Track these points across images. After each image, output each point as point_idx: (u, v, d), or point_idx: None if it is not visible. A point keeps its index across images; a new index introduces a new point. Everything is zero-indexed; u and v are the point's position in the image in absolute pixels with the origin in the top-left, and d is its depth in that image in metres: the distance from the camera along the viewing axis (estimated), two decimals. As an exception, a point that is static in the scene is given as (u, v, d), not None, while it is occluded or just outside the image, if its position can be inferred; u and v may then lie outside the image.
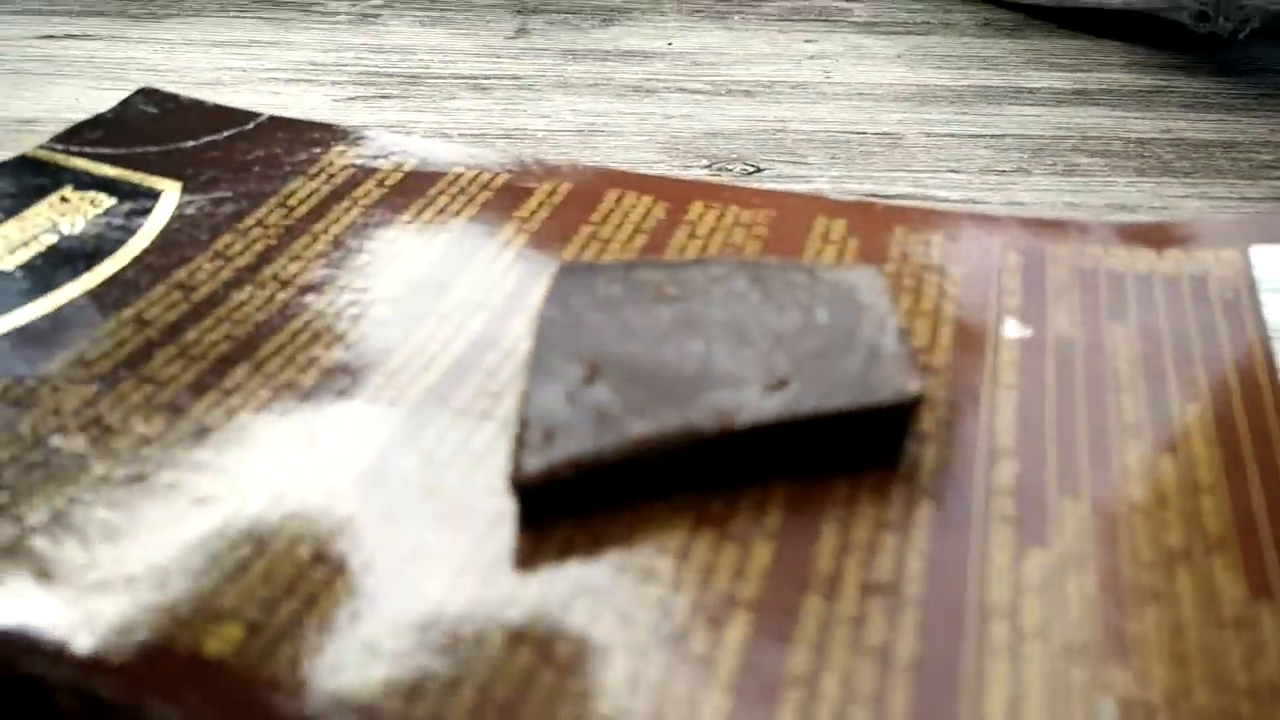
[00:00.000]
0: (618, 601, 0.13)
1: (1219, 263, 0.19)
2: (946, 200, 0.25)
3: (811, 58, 0.34)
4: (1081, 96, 0.31)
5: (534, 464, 0.14)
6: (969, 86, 0.32)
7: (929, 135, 0.29)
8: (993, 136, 0.29)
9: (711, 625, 0.13)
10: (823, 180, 0.26)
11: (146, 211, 0.20)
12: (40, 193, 0.20)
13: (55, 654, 0.12)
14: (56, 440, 0.15)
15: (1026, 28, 0.37)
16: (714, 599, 0.13)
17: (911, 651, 0.12)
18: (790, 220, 0.20)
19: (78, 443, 0.15)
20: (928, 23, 0.37)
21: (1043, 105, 0.31)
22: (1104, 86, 0.32)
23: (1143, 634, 0.13)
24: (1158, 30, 0.35)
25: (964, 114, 0.30)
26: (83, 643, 0.12)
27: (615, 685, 0.12)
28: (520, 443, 0.14)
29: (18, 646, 0.12)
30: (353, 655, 0.12)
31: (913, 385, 0.15)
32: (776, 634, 0.13)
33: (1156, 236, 0.20)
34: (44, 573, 0.13)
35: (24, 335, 0.17)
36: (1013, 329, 0.18)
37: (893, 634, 0.13)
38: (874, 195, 0.25)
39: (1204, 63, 0.34)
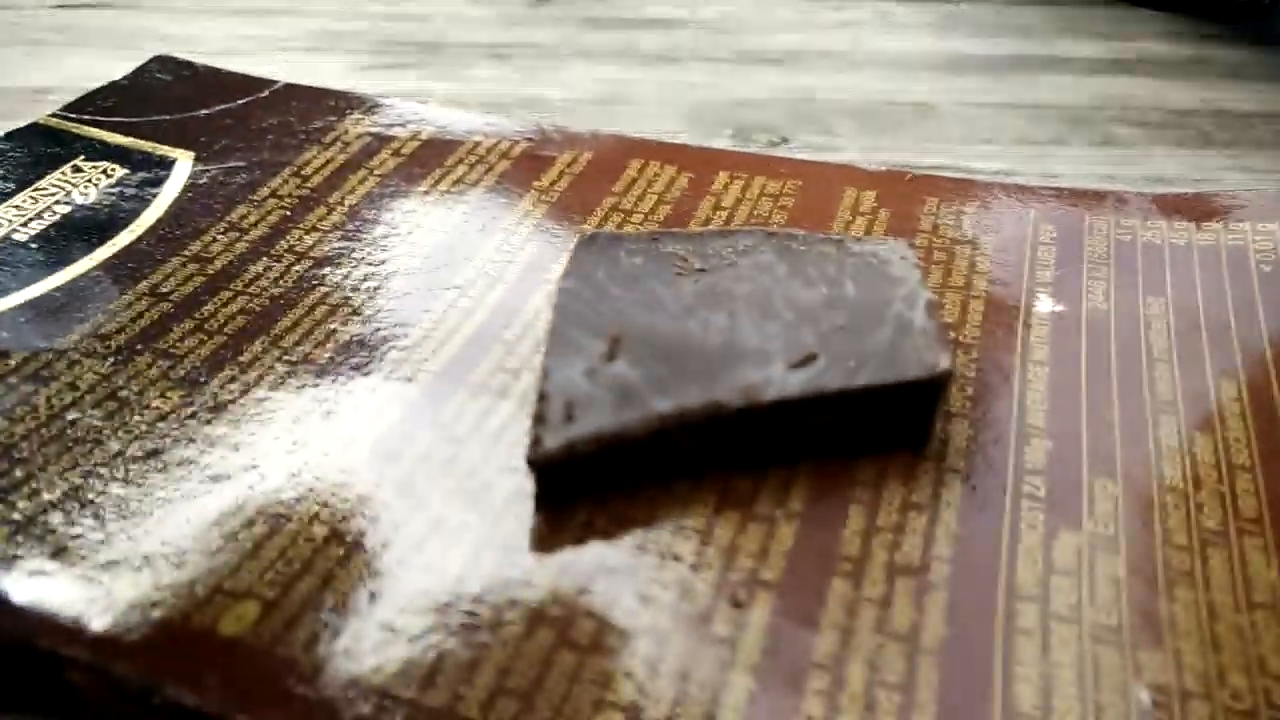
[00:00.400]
0: (638, 582, 0.13)
1: (1259, 235, 0.18)
2: (980, 172, 0.25)
3: (840, 25, 0.33)
4: (1118, 66, 0.30)
5: (553, 441, 0.13)
6: (1002, 55, 0.31)
7: (962, 105, 0.28)
8: (1027, 107, 0.28)
9: (734, 607, 0.12)
10: (853, 151, 0.25)
11: (160, 181, 0.19)
12: (53, 162, 0.20)
13: (71, 632, 0.12)
14: (73, 414, 0.15)
15: (1060, -7, 0.36)
16: (737, 580, 0.13)
17: (939, 635, 0.12)
18: (818, 191, 0.20)
19: (94, 417, 0.15)
20: (958, -12, 0.36)
21: (1078, 74, 0.30)
22: (1141, 56, 0.31)
23: (1174, 617, 0.12)
24: (1195, 0, 0.34)
25: (998, 83, 0.29)
26: (98, 621, 0.12)
27: (636, 668, 0.12)
28: (539, 419, 0.14)
29: (33, 624, 0.12)
30: (369, 636, 0.12)
31: (943, 361, 0.14)
32: (801, 617, 0.12)
33: (1195, 208, 0.19)
34: (60, 549, 0.13)
35: (39, 308, 0.16)
36: (1046, 304, 0.17)
37: (920, 617, 0.12)
38: (906, 166, 0.25)
39: (1244, 32, 0.33)
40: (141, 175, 0.20)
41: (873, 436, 0.14)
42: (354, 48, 0.31)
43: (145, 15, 0.33)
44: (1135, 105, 0.28)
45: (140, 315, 0.16)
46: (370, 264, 0.18)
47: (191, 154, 0.20)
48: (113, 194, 0.19)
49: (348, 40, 0.31)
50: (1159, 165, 0.25)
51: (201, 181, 0.20)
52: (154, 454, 0.14)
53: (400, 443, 0.14)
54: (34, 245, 0.18)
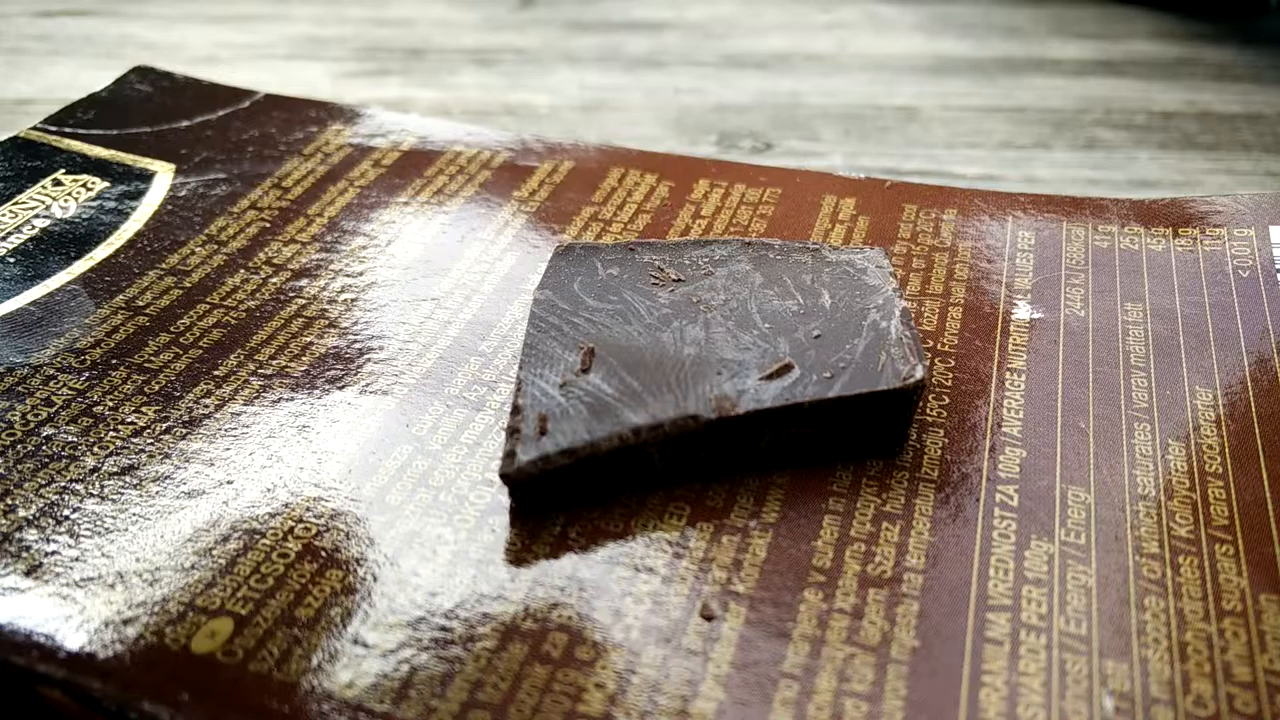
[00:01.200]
0: (611, 595, 0.13)
1: (1235, 241, 0.18)
2: (963, 176, 0.25)
3: (828, 27, 0.33)
4: (1105, 67, 0.30)
5: (526, 456, 0.13)
6: (989, 57, 0.31)
7: (947, 108, 0.28)
8: (1013, 109, 0.28)
9: (706, 620, 0.12)
10: (836, 156, 0.26)
11: (140, 194, 0.20)
12: (34, 176, 0.20)
13: (45, 650, 0.12)
14: (48, 430, 0.15)
15: (1047, -6, 0.36)
16: (710, 593, 0.13)
17: (909, 645, 0.12)
18: (798, 198, 0.20)
19: (69, 433, 0.15)
20: (945, -10, 0.36)
21: (1065, 76, 0.30)
22: (1129, 57, 0.31)
23: (1144, 625, 0.12)
24: (1183, -5, 0.34)
25: (983, 86, 0.29)
26: (72, 639, 0.12)
27: (607, 680, 0.12)
28: (513, 433, 0.14)
29: (8, 642, 0.12)
30: (342, 651, 0.12)
31: (917, 372, 0.14)
32: (772, 628, 0.12)
33: (1173, 215, 0.19)
34: (34, 566, 0.13)
35: (16, 322, 0.16)
36: (1024, 311, 0.17)
37: (891, 628, 0.12)
38: (889, 171, 0.25)
39: (1232, 32, 0.33)
40: (121, 188, 0.20)
41: (847, 446, 0.14)
42: (337, 54, 0.31)
43: (127, 23, 0.33)
44: (1120, 108, 0.28)
45: (116, 329, 0.16)
46: (348, 276, 0.18)
47: (172, 166, 0.20)
48: (92, 207, 0.19)
49: (331, 47, 0.31)
50: (1142, 168, 0.25)
51: (181, 194, 0.20)
52: (129, 470, 0.14)
53: (376, 457, 0.14)
54: (11, 260, 0.18)
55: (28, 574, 0.13)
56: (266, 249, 0.18)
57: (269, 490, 0.14)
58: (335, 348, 0.16)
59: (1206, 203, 0.19)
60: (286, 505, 0.14)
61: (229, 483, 0.14)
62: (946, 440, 0.15)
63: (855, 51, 0.32)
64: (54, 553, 0.13)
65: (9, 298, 0.17)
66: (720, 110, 0.28)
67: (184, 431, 0.15)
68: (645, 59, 0.31)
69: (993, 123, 0.27)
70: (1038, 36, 0.33)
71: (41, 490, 0.14)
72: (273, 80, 0.29)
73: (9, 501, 0.14)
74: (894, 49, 0.32)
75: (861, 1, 0.36)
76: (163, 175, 0.20)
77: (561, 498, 0.14)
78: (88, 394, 0.15)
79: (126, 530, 0.13)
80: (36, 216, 0.19)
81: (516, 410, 0.14)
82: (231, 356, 0.16)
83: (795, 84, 0.29)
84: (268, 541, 0.13)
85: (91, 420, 0.15)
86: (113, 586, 0.13)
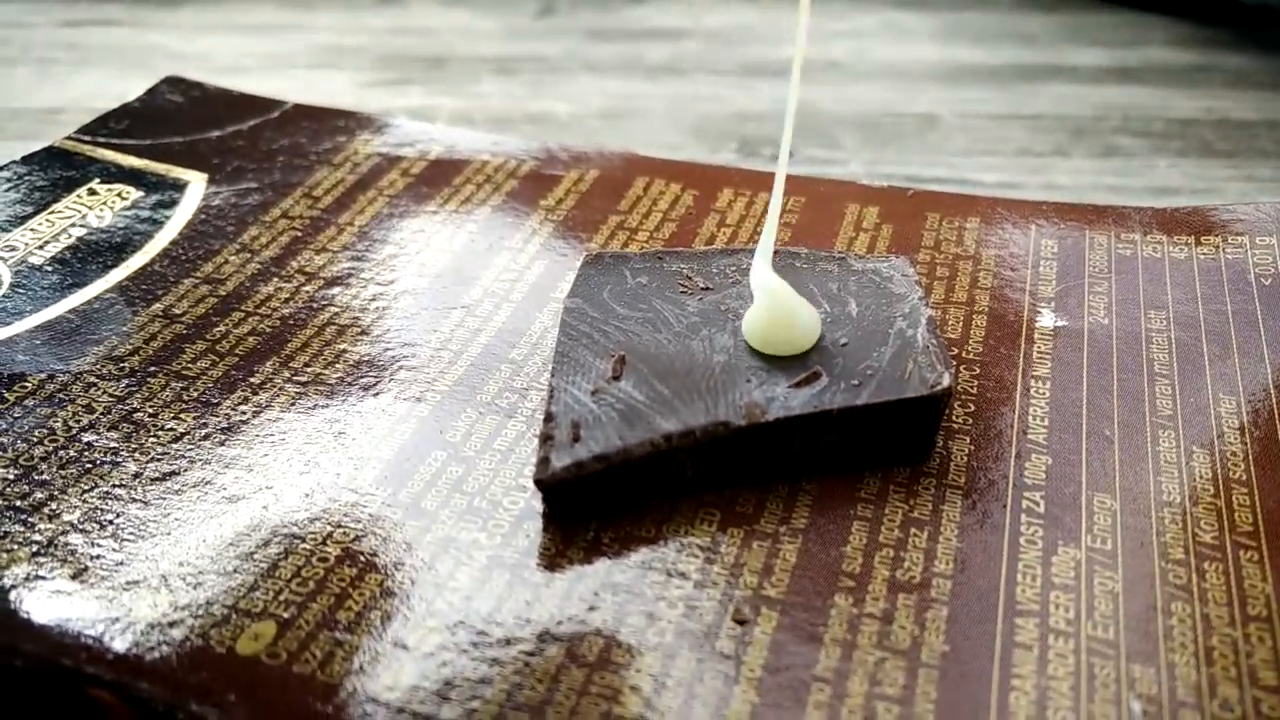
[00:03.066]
0: (644, 599, 0.13)
1: (1258, 249, 0.19)
2: (982, 183, 0.25)
3: (845, 34, 0.34)
4: (1123, 74, 0.31)
5: (560, 462, 0.14)
6: (1006, 64, 0.31)
7: (965, 116, 0.28)
8: (1031, 117, 0.28)
9: (738, 624, 0.13)
10: (856, 164, 0.26)
11: (173, 203, 0.20)
12: (69, 185, 0.20)
13: (93, 652, 0.12)
14: (90, 436, 0.15)
15: (1067, 2, 0.36)
16: (741, 597, 0.13)
17: (939, 649, 0.12)
18: (821, 207, 0.20)
19: (110, 439, 0.15)
20: (962, -3, 0.37)
21: (1083, 84, 0.30)
22: (1146, 64, 0.31)
23: (1170, 630, 0.12)
24: (1202, 4, 0.34)
25: (1001, 93, 0.29)
26: (119, 641, 0.12)
27: (642, 683, 0.12)
28: (546, 440, 0.14)
29: (56, 643, 0.12)
30: (383, 653, 0.12)
31: (944, 379, 0.14)
32: (804, 632, 0.12)
33: (1195, 223, 0.19)
34: (81, 570, 0.13)
35: (56, 330, 0.17)
36: (1048, 318, 0.17)
37: (920, 632, 0.12)
38: (909, 178, 0.25)
39: (1249, 38, 0.33)
40: (156, 198, 0.20)
41: (875, 453, 0.15)
42: (359, 64, 0.31)
43: (153, 32, 0.33)
44: (1139, 115, 0.28)
45: (154, 337, 0.17)
46: (379, 284, 0.18)
47: (204, 176, 0.21)
48: (127, 216, 0.19)
49: (353, 56, 0.32)
50: (1162, 176, 0.25)
51: (214, 203, 0.20)
52: (170, 475, 0.14)
53: (411, 463, 0.15)
54: (50, 268, 0.18)
55: (74, 577, 0.13)
56: (299, 257, 0.19)
57: (307, 495, 0.14)
58: (368, 355, 0.17)
59: (1228, 211, 0.20)
60: (325, 510, 0.14)
61: (268, 488, 0.14)
62: (973, 447, 0.15)
63: (873, 59, 0.32)
64: (99, 556, 0.13)
65: (48, 305, 0.17)
66: (740, 118, 0.28)
67: (222, 438, 0.15)
68: (665, 67, 0.31)
69: (1011, 130, 0.27)
70: (1054, 44, 0.33)
71: (85, 495, 0.14)
72: (297, 89, 0.29)
73: (54, 506, 0.14)
74: (912, 56, 0.32)
75: (879, 9, 0.36)
76: (196, 185, 0.20)
77: (594, 503, 0.14)
78: (127, 401, 0.16)
79: (169, 534, 0.14)
80: (73, 225, 0.19)
81: (550, 417, 0.14)
82: (267, 364, 0.16)
83: (815, 92, 0.30)
84: (307, 546, 0.13)
85: (132, 427, 0.15)
86: (157, 590, 0.13)
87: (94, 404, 0.15)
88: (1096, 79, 0.30)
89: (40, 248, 0.19)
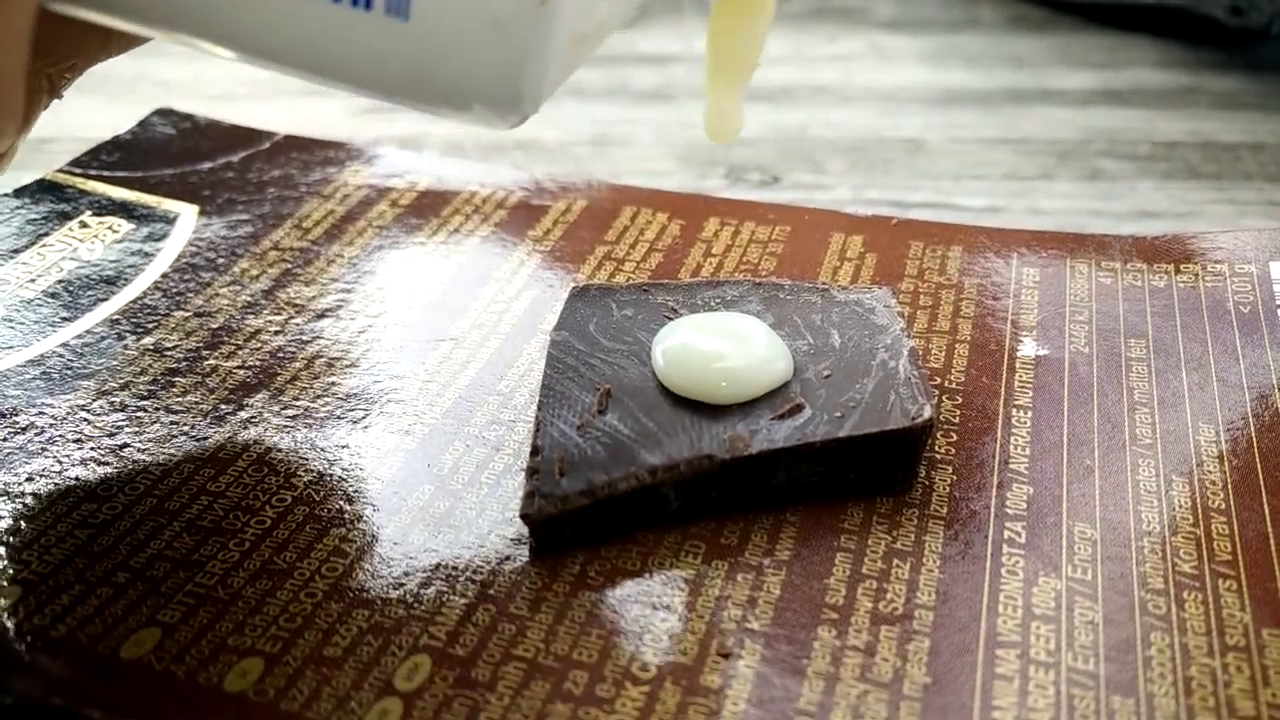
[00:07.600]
0: (630, 634, 0.13)
1: (1237, 277, 0.19)
2: (968, 208, 0.25)
3: (832, 59, 0.34)
4: (1110, 97, 0.31)
5: (546, 497, 0.14)
6: (994, 88, 0.32)
7: (952, 140, 0.28)
8: (1018, 140, 0.28)
9: (723, 658, 0.13)
10: (843, 189, 0.26)
11: (164, 236, 0.20)
12: (61, 218, 0.20)
13: (83, 689, 0.12)
14: (78, 471, 0.15)
15: (1055, 24, 0.36)
16: (726, 630, 0.13)
17: (921, 682, 0.12)
18: (806, 236, 0.20)
19: (100, 473, 0.15)
20: (953, 20, 0.37)
21: (1070, 106, 0.30)
22: (1133, 86, 0.31)
23: (1149, 660, 0.13)
24: (1190, 25, 0.34)
25: (988, 117, 0.30)
26: (108, 679, 0.12)
27: (628, 718, 0.12)
28: (532, 474, 0.14)
29: (48, 682, 0.12)
30: (369, 690, 0.12)
31: (925, 411, 0.15)
32: (787, 666, 0.13)
33: (1175, 251, 0.20)
34: (70, 606, 0.13)
35: (47, 364, 0.17)
36: (1029, 347, 0.18)
37: (902, 665, 0.13)
38: (895, 203, 0.25)
39: (1235, 60, 0.33)
40: (147, 230, 0.20)
41: (858, 483, 0.15)
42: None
43: (143, 60, 0.34)
44: (1124, 138, 0.28)
45: (144, 371, 0.17)
46: (368, 316, 0.18)
47: (195, 208, 0.21)
48: (118, 249, 0.20)
49: (348, 83, 0.32)
50: (1145, 199, 0.25)
51: (205, 235, 0.20)
52: (158, 511, 0.14)
53: (399, 496, 0.15)
54: (41, 302, 0.18)
55: (64, 613, 0.13)
56: (288, 289, 0.19)
57: (295, 529, 0.14)
58: (357, 388, 0.17)
59: (1208, 239, 0.20)
60: (313, 545, 0.14)
61: (257, 523, 0.14)
62: (955, 477, 0.15)
63: (861, 83, 0.32)
64: (87, 592, 0.13)
65: (39, 339, 0.17)
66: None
67: (212, 473, 0.15)
68: (653, 93, 0.32)
69: (998, 154, 0.28)
70: (1043, 66, 0.33)
71: (74, 531, 0.14)
72: (288, 117, 0.29)
73: (43, 543, 0.14)
74: (899, 80, 0.32)
75: (866, 33, 0.36)
76: (186, 217, 0.21)
77: (580, 536, 0.14)
78: (116, 435, 0.16)
79: (157, 571, 0.14)
80: (65, 259, 0.19)
81: (536, 451, 0.14)
82: (257, 397, 0.16)
83: (802, 116, 0.30)
84: (295, 581, 0.14)
85: (121, 462, 0.15)
86: (146, 626, 0.13)
87: (83, 438, 0.16)
88: (1084, 101, 0.31)
89: (31, 281, 0.19)
